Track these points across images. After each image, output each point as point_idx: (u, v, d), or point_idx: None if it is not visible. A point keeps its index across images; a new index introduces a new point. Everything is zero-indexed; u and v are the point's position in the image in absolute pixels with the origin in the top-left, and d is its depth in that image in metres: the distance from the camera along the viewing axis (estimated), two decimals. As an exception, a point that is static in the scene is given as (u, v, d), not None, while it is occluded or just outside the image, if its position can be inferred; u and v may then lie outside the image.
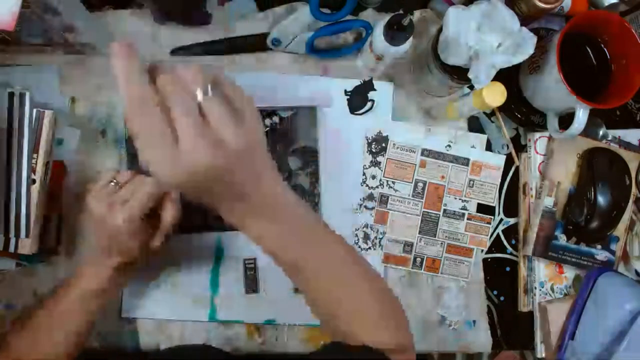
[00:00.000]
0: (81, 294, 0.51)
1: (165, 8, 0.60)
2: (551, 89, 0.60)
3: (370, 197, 0.66)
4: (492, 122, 0.69)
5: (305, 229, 0.43)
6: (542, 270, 0.68)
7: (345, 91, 0.66)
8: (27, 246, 0.55)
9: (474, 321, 0.67)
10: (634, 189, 0.67)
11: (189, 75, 0.33)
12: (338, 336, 0.46)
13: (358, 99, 0.66)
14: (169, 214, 0.52)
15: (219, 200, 0.36)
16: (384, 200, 0.66)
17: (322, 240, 0.44)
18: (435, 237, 0.67)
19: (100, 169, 0.62)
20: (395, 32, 0.54)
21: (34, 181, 0.55)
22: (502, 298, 0.69)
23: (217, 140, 0.32)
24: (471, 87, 0.67)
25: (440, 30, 0.56)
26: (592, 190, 0.65)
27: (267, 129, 0.63)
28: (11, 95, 0.54)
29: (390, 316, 0.46)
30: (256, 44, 0.64)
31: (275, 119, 0.63)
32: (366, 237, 0.66)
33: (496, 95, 0.58)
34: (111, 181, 0.50)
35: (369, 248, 0.66)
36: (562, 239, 0.66)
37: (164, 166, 0.32)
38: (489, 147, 0.69)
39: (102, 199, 0.49)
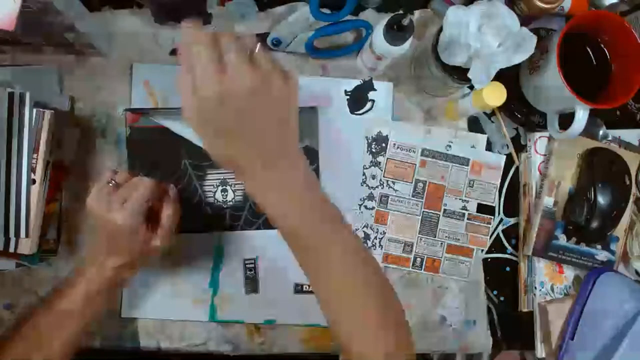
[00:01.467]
0: (82, 296, 0.51)
1: (165, 8, 0.60)
2: (551, 89, 0.60)
3: (370, 197, 0.66)
4: (492, 122, 0.69)
5: (326, 212, 0.44)
6: (542, 270, 0.68)
7: (345, 91, 0.66)
8: (27, 246, 0.55)
9: (474, 321, 0.67)
10: (634, 189, 0.67)
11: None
12: (337, 339, 0.46)
13: (358, 99, 0.66)
14: (168, 214, 0.52)
15: (245, 158, 0.40)
16: (384, 200, 0.66)
17: (340, 228, 0.45)
18: (435, 237, 0.67)
19: (100, 169, 0.62)
20: (395, 32, 0.54)
21: (34, 181, 0.55)
22: (502, 298, 0.69)
23: (227, 77, 0.37)
24: (471, 87, 0.67)
25: (440, 30, 0.56)
26: (592, 190, 0.65)
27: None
28: (11, 95, 0.54)
29: (391, 326, 0.46)
30: (256, 44, 0.63)
31: (275, 119, 0.63)
32: (366, 237, 0.66)
33: (496, 95, 0.58)
34: (109, 181, 0.50)
35: (369, 248, 0.66)
36: (562, 239, 0.66)
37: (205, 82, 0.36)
38: (489, 147, 0.69)
39: (100, 199, 0.49)
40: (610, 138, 0.71)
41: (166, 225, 0.52)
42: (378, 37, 0.56)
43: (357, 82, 0.66)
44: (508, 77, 0.60)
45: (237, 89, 0.37)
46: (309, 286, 0.64)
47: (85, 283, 0.51)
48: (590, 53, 0.65)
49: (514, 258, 0.69)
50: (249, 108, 0.38)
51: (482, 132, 0.69)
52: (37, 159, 0.55)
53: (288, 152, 0.42)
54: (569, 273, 0.69)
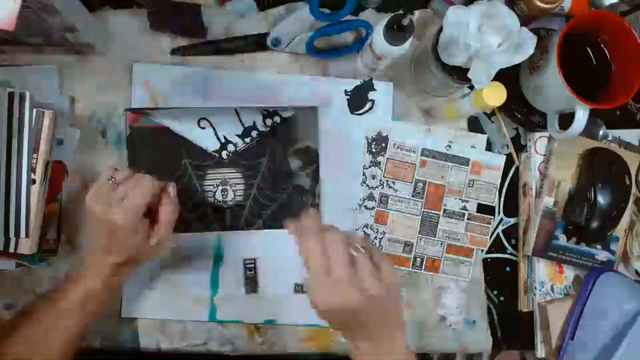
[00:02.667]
0: (82, 295, 0.51)
1: (160, 16, 0.60)
2: (551, 89, 0.60)
3: (370, 197, 0.66)
4: (492, 122, 0.69)
5: None
6: (542, 270, 0.68)
7: (345, 91, 0.66)
8: (27, 246, 0.55)
9: (474, 321, 0.67)
10: (634, 189, 0.67)
11: (351, 237, 0.44)
12: None
13: (358, 99, 0.66)
14: (167, 212, 0.52)
15: (353, 337, 0.45)
16: (384, 200, 0.66)
17: None
18: (435, 237, 0.67)
19: (100, 169, 0.62)
20: (395, 32, 0.54)
21: (34, 181, 0.55)
22: (502, 298, 0.69)
23: (362, 287, 0.41)
24: (471, 87, 0.67)
25: (440, 30, 0.56)
26: (592, 190, 0.65)
27: (268, 129, 0.63)
28: (11, 95, 0.54)
29: None
30: (256, 44, 0.64)
31: (276, 118, 0.63)
32: (366, 237, 0.66)
33: (496, 95, 0.58)
34: (109, 179, 0.50)
35: (369, 248, 0.66)
36: (562, 239, 0.66)
37: (321, 293, 0.42)
38: (489, 147, 0.69)
39: (100, 197, 0.49)
40: (610, 138, 0.71)
41: (165, 223, 0.52)
42: (378, 37, 0.56)
43: (357, 82, 0.66)
44: (508, 77, 0.60)
45: (364, 298, 0.41)
46: (309, 286, 0.64)
47: (85, 282, 0.51)
48: (590, 53, 0.65)
49: (514, 258, 0.69)
50: (371, 309, 0.42)
51: (482, 132, 0.69)
52: (37, 159, 0.55)
53: (392, 336, 0.46)
54: (569, 273, 0.69)
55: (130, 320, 0.62)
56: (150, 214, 0.52)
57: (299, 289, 0.64)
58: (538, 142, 0.68)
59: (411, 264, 0.66)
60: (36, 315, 0.51)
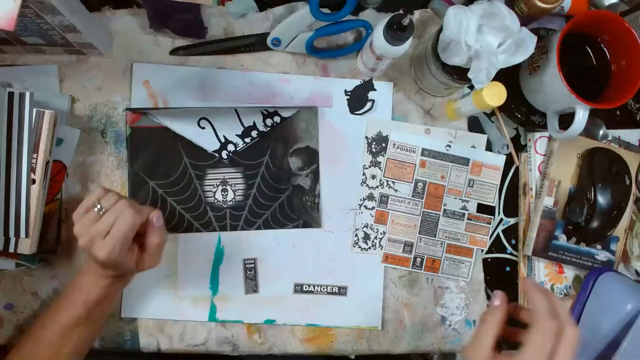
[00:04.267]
0: (83, 303, 0.51)
1: (160, 16, 0.60)
2: (551, 89, 0.60)
3: (370, 197, 0.66)
4: (492, 122, 0.69)
5: None
6: (542, 270, 0.68)
7: (345, 91, 0.66)
8: (27, 246, 0.55)
9: (474, 321, 0.67)
10: (634, 189, 0.67)
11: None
12: None
13: (358, 99, 0.66)
14: (153, 243, 0.52)
15: None
16: (384, 200, 0.66)
17: None
18: (435, 237, 0.67)
19: (100, 169, 0.62)
20: (395, 32, 0.54)
21: (34, 181, 0.55)
22: (502, 298, 0.69)
23: None
24: (471, 87, 0.67)
25: (440, 30, 0.56)
26: (592, 190, 0.65)
27: (268, 129, 0.63)
28: (11, 95, 0.54)
29: None
30: (256, 44, 0.64)
31: (276, 118, 0.63)
32: (366, 237, 0.66)
33: (496, 95, 0.58)
34: (95, 206, 0.48)
35: (369, 248, 0.66)
36: (562, 239, 0.66)
37: None
38: (489, 147, 0.69)
39: (84, 229, 0.48)
40: (610, 138, 0.71)
41: (152, 253, 0.52)
42: (378, 37, 0.56)
43: (357, 82, 0.66)
44: (508, 77, 0.60)
45: None
46: (308, 286, 0.64)
47: (86, 293, 0.52)
48: (590, 53, 0.65)
49: (514, 258, 0.69)
50: None
51: (482, 132, 0.69)
52: (37, 159, 0.55)
53: None
54: (569, 273, 0.69)
55: (130, 320, 0.62)
56: (140, 237, 0.52)
57: (298, 289, 0.64)
58: (538, 142, 0.68)
59: (411, 264, 0.66)
60: (41, 334, 0.52)
